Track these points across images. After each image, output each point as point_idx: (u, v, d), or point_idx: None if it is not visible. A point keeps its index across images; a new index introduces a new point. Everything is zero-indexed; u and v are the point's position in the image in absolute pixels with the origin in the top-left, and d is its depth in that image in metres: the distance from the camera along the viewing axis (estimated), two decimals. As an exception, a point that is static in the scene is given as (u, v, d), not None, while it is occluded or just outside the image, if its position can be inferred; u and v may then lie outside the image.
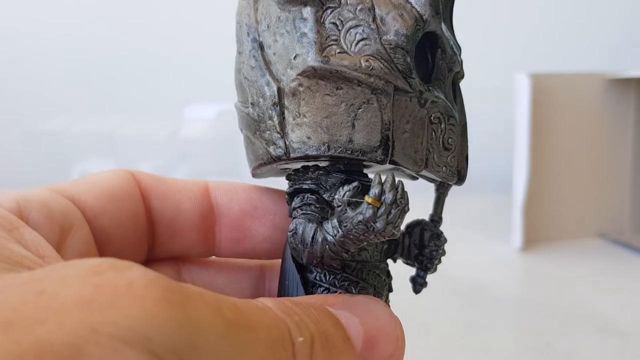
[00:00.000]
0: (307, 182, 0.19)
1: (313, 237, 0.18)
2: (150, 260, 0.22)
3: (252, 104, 0.20)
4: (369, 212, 0.16)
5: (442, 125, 0.19)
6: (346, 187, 0.17)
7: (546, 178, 0.65)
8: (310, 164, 0.20)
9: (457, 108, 0.21)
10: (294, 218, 0.19)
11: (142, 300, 0.11)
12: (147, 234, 0.21)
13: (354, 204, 0.16)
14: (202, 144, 0.94)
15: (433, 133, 0.19)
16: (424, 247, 0.22)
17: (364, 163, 0.19)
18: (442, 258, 0.22)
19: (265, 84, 0.19)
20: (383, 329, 0.17)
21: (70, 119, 0.97)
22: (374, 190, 0.16)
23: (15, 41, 0.94)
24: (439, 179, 0.20)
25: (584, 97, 0.66)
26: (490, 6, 0.89)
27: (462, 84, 0.22)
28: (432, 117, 0.19)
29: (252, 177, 0.22)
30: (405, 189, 0.16)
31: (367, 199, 0.16)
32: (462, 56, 0.21)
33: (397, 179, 0.17)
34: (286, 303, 0.15)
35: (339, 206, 0.17)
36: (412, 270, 0.22)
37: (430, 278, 0.22)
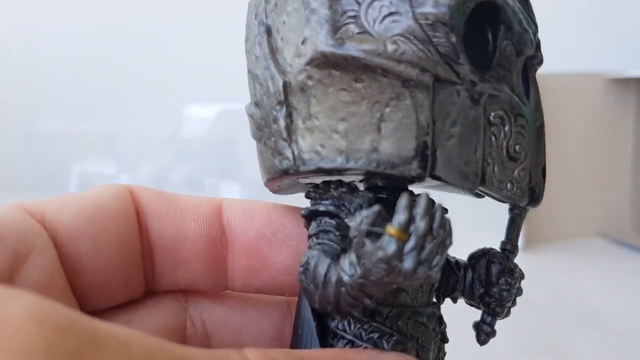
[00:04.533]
0: (326, 202, 0.15)
1: (326, 276, 0.14)
2: (151, 292, 0.19)
3: (255, 103, 0.16)
4: (392, 248, 0.12)
5: (505, 128, 0.15)
6: (364, 212, 0.13)
7: (546, 177, 0.65)
8: (333, 178, 0.16)
9: (530, 104, 0.16)
10: (309, 249, 0.15)
11: (10, 346, 0.08)
12: (142, 261, 0.18)
13: (374, 235, 0.12)
14: (202, 144, 0.94)
15: (493, 138, 0.15)
16: (491, 285, 0.17)
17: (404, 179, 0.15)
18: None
19: (269, 77, 0.15)
20: None
21: (70, 119, 0.97)
22: (400, 217, 0.12)
23: (15, 41, 0.94)
24: (503, 199, 0.16)
25: (584, 97, 0.66)
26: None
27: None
28: (491, 117, 0.15)
29: (274, 194, 0.19)
30: (448, 216, 0.12)
31: (390, 228, 0.12)
32: (538, 35, 0.16)
33: (435, 201, 0.13)
34: (278, 357, 0.12)
35: (354, 237, 0.13)
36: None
37: None
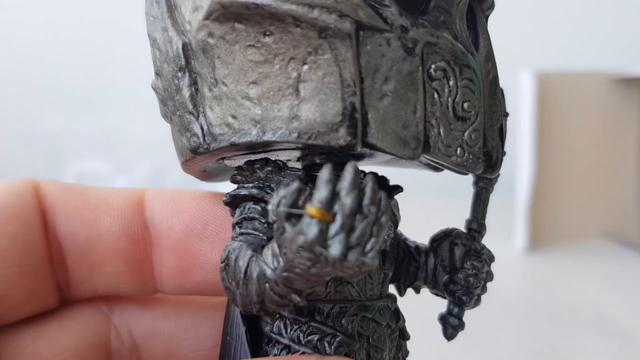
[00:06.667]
0: (249, 185, 0.13)
1: (246, 271, 0.12)
2: (68, 301, 0.17)
3: (157, 73, 0.14)
4: (314, 231, 0.10)
5: (450, 82, 0.12)
6: (282, 191, 0.10)
7: (551, 178, 0.64)
8: (257, 156, 0.13)
9: (479, 54, 0.14)
10: (232, 240, 0.13)
11: None
12: (52, 267, 0.16)
13: (296, 218, 0.10)
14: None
15: (435, 95, 0.12)
16: (456, 270, 0.16)
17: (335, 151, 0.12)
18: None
19: (167, 40, 0.13)
20: None
21: (66, 118, 0.96)
22: (320, 194, 0.10)
23: (13, 40, 0.94)
24: (453, 168, 0.13)
25: (588, 96, 0.66)
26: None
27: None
28: (431, 70, 0.12)
29: (202, 181, 0.17)
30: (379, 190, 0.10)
31: (309, 208, 0.10)
32: None
33: (360, 171, 0.11)
34: None
35: (274, 222, 0.11)
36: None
37: None
